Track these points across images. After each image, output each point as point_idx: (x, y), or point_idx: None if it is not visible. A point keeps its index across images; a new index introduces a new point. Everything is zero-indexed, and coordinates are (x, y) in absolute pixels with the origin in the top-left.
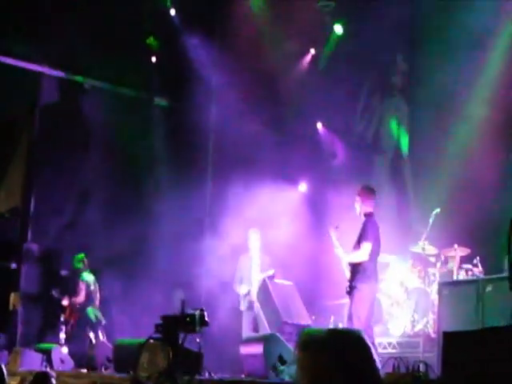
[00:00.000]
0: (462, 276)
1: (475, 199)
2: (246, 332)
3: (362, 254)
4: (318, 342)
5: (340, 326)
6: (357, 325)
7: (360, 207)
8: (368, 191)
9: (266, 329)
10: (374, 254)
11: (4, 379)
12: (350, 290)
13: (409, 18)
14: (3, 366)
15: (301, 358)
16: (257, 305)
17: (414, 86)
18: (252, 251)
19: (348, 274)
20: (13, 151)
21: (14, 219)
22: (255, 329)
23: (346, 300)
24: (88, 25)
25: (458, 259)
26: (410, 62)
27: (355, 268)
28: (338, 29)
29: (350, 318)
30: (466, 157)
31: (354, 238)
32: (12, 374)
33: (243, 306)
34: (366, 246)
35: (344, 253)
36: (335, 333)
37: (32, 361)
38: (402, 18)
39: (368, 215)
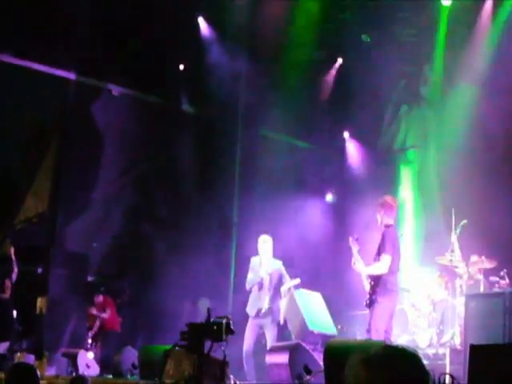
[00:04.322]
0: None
1: (502, 211)
2: (248, 340)
3: (382, 267)
4: (375, 359)
5: (365, 336)
6: (375, 337)
7: (381, 218)
8: (390, 202)
9: (273, 340)
10: (395, 265)
11: (38, 382)
12: (370, 303)
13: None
14: (37, 370)
15: (360, 374)
16: (283, 315)
17: (441, 96)
18: (262, 258)
19: (367, 287)
20: (41, 157)
21: (42, 224)
22: (258, 339)
23: None
24: (117, 32)
25: (483, 271)
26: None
27: (376, 281)
28: (366, 39)
29: (368, 331)
30: (495, 168)
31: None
32: None
33: (251, 312)
34: (386, 258)
35: (363, 266)
36: (391, 350)
37: (58, 365)
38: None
39: (388, 226)
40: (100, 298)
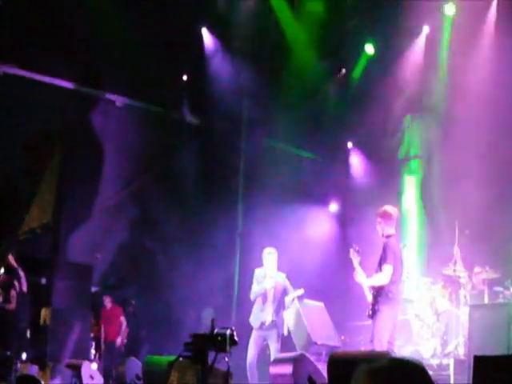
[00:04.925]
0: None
1: (507, 220)
2: (251, 351)
3: (384, 277)
4: (381, 371)
5: (369, 346)
6: (378, 348)
7: (382, 229)
8: (389, 211)
9: (277, 353)
10: (397, 275)
11: None
12: (373, 313)
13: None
14: (41, 381)
15: None
16: (286, 326)
17: (443, 104)
18: (267, 270)
19: (370, 298)
20: (45, 168)
21: (45, 235)
22: (261, 351)
23: None
24: (120, 43)
25: (487, 281)
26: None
27: (379, 292)
28: (369, 49)
29: (371, 340)
30: (499, 177)
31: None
32: None
33: (255, 323)
34: (387, 269)
35: (365, 277)
36: (397, 362)
37: (62, 376)
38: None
39: (389, 236)
40: (109, 304)
